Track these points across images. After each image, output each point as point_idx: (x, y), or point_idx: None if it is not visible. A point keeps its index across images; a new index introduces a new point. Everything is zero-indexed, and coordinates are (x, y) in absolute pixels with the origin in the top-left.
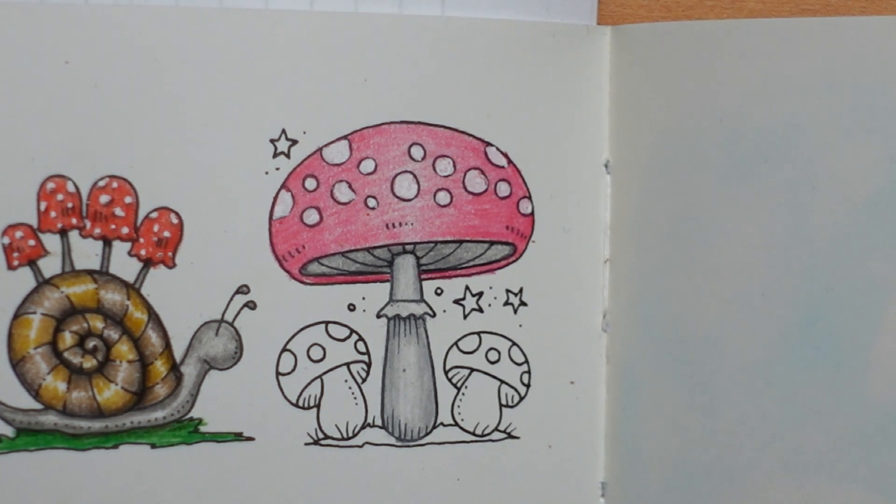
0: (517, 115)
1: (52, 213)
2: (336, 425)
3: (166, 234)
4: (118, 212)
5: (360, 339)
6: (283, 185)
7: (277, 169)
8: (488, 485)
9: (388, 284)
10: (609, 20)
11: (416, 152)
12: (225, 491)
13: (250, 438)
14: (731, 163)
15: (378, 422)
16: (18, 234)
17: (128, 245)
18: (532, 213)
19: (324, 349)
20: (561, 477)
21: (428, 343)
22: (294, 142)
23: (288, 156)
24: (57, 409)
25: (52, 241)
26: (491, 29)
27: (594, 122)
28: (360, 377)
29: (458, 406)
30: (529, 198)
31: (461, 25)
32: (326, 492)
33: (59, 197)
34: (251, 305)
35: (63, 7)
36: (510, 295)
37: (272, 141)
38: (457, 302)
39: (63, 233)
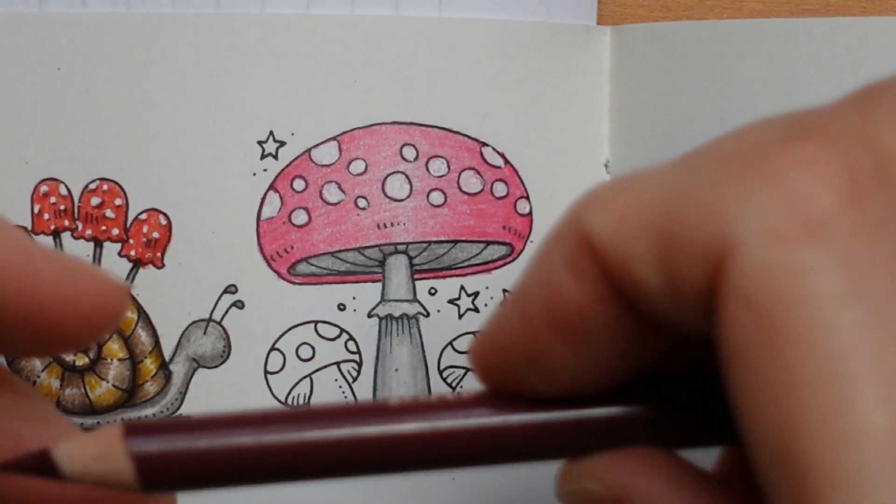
0: (517, 115)
1: (46, 216)
2: None
3: (155, 234)
4: (108, 213)
5: (351, 338)
6: (271, 186)
7: (265, 170)
8: (487, 485)
9: (379, 284)
10: (609, 20)
11: (409, 153)
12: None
13: None
14: None
15: None
16: None
17: (118, 246)
18: (530, 214)
19: (313, 348)
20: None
21: (422, 343)
22: (282, 143)
23: (276, 157)
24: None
25: (45, 243)
26: (489, 29)
27: (594, 122)
28: (351, 376)
29: None
30: (527, 198)
31: (459, 26)
32: (320, 491)
33: (52, 199)
34: (239, 305)
35: (57, 15)
36: (507, 295)
37: (260, 143)
38: (451, 302)
39: (56, 234)
